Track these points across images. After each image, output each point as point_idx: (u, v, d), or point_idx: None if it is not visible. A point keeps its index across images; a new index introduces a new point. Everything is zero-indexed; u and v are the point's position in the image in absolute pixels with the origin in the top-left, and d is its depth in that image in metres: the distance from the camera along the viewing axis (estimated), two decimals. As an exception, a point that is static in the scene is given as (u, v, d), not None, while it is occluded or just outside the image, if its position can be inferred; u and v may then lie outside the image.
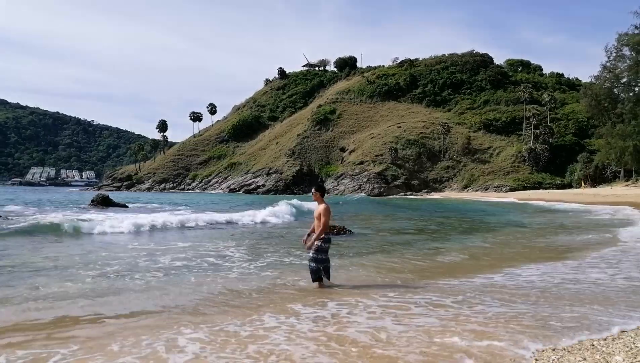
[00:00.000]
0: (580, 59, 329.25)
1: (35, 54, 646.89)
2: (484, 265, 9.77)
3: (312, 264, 7.06)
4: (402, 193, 79.02)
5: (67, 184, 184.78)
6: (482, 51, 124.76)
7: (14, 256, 9.97)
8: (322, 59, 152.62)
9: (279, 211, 22.68)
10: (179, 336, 4.82)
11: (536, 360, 4.00)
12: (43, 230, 13.86)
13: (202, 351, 4.41)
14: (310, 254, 7.06)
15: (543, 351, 4.25)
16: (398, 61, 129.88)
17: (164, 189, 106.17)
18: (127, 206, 30.66)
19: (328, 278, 7.24)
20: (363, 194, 76.58)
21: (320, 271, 7.09)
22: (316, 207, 7.27)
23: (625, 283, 7.54)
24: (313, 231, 7.22)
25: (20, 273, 8.22)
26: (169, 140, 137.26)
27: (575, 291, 6.93)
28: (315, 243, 6.99)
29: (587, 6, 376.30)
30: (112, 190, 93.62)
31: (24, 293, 6.71)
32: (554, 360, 3.98)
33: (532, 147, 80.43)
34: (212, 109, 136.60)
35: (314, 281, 7.11)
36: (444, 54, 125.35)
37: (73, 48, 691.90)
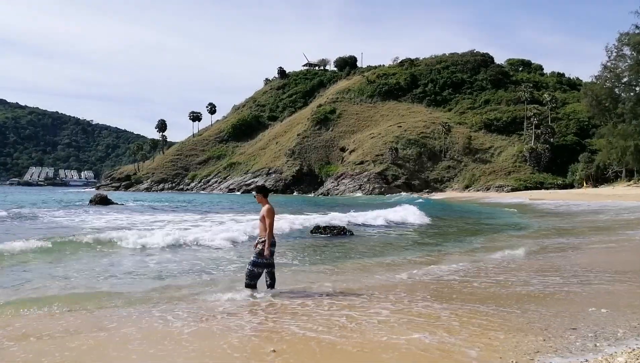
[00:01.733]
0: (580, 58, 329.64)
1: (34, 53, 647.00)
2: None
3: (252, 268, 6.65)
4: (402, 193, 78.70)
5: (65, 184, 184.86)
6: (482, 50, 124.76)
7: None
8: (322, 59, 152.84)
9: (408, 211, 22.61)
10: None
11: (538, 360, 3.97)
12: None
13: None
14: (252, 257, 6.69)
15: (546, 352, 4.18)
16: (398, 61, 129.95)
17: (162, 189, 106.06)
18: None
19: (273, 284, 6.82)
20: (404, 194, 72.33)
21: (257, 277, 6.68)
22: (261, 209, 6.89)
23: None
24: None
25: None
26: (168, 140, 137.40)
27: None
28: (258, 246, 6.62)
29: (587, 6, 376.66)
30: (111, 190, 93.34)
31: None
32: (556, 361, 3.97)
33: (533, 147, 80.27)
34: (212, 109, 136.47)
35: (246, 286, 6.66)
36: (445, 54, 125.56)
37: (73, 48, 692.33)
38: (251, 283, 6.69)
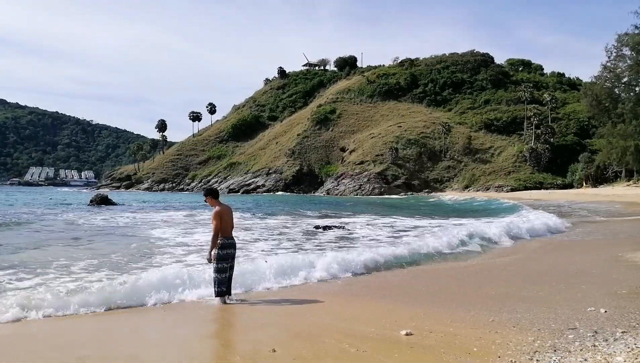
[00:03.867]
0: (580, 58, 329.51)
1: (34, 54, 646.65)
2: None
3: (215, 275, 6.40)
4: (402, 193, 78.67)
5: (65, 184, 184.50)
6: (482, 50, 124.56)
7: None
8: (322, 59, 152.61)
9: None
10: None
11: (537, 360, 3.96)
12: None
13: None
14: (212, 265, 6.47)
15: (545, 352, 4.16)
16: (398, 61, 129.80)
17: (163, 189, 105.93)
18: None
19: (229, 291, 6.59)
20: (443, 196, 67.24)
21: (224, 283, 6.43)
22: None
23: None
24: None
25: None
26: (168, 140, 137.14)
27: None
28: (213, 251, 6.42)
29: (587, 6, 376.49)
30: (112, 190, 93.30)
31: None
32: (554, 360, 3.94)
33: (533, 147, 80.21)
34: (212, 109, 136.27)
35: (216, 295, 6.43)
36: (445, 54, 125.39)
37: (73, 48, 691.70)
38: (219, 290, 6.44)
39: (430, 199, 59.82)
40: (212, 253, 6.41)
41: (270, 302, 6.68)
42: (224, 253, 6.44)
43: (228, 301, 6.48)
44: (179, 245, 12.74)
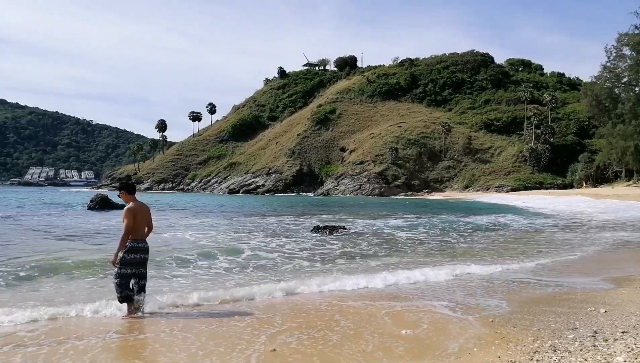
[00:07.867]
0: (580, 58, 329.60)
1: (34, 53, 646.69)
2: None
3: (117, 280, 5.67)
4: (402, 194, 78.65)
5: (65, 184, 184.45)
6: (482, 50, 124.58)
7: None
8: (322, 59, 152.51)
9: None
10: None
11: (537, 360, 3.94)
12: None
13: None
14: (114, 270, 5.74)
15: (545, 352, 4.12)
16: (398, 61, 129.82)
17: (163, 189, 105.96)
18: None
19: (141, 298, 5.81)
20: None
21: (127, 289, 5.70)
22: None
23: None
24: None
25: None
26: (168, 140, 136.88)
27: None
28: (119, 253, 5.70)
29: (587, 6, 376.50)
30: (112, 190, 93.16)
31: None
32: (554, 360, 3.93)
33: (533, 147, 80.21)
34: (212, 109, 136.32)
35: (121, 301, 5.71)
36: (445, 54, 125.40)
37: (73, 48, 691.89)
38: (123, 295, 5.71)
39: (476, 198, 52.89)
40: (118, 255, 5.70)
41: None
42: (130, 258, 5.72)
43: (140, 313, 5.73)
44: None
